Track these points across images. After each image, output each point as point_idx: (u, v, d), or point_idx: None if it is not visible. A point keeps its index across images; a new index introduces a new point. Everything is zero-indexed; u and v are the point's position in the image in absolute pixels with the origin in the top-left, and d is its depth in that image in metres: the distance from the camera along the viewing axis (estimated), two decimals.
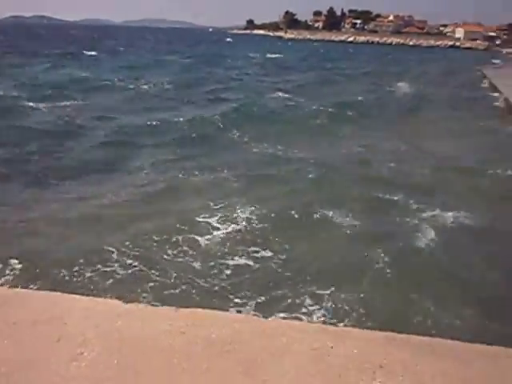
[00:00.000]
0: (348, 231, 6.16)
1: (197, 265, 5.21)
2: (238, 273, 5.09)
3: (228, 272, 5.10)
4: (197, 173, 8.58)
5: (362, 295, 4.67)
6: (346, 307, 4.48)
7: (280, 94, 19.28)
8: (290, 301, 4.52)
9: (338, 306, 4.51)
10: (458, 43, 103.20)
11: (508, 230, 6.46)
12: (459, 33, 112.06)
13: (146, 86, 20.64)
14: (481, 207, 7.13)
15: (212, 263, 5.26)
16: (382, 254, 5.41)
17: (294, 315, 4.25)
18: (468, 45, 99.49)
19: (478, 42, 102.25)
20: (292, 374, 2.07)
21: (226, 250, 5.61)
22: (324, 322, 2.86)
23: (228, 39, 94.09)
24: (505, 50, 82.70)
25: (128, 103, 16.38)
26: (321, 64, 38.86)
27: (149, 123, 12.75)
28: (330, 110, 15.34)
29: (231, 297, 4.56)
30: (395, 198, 7.40)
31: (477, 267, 5.41)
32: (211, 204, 6.93)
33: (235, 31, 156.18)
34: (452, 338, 2.45)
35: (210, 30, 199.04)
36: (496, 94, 20.52)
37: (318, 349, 2.23)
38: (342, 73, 31.06)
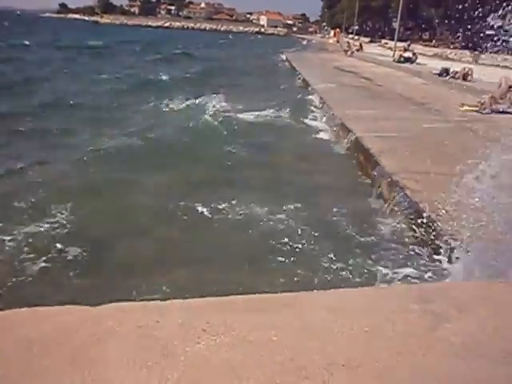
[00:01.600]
0: None
1: None
2: None
3: None
4: None
5: None
6: None
7: None
8: None
9: None
10: (262, 29, 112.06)
11: None
12: (263, 20, 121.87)
13: None
14: None
15: None
16: None
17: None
18: (271, 31, 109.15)
19: (279, 28, 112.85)
20: (116, 355, 2.04)
21: None
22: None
23: None
24: (299, 36, 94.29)
25: None
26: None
27: None
28: None
29: None
30: None
31: None
32: None
33: (47, 14, 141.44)
34: None
35: (18, 13, 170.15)
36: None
37: (143, 326, 2.24)
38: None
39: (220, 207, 5.82)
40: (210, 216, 5.64)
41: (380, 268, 4.16)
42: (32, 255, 4.61)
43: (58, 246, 4.82)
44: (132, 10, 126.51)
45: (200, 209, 5.75)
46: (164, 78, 19.47)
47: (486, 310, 2.47)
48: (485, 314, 2.43)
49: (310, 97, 15.31)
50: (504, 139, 4.21)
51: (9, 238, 4.91)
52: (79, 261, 4.62)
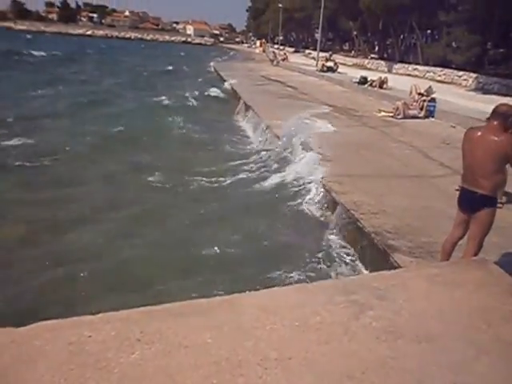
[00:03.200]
0: None
1: None
2: None
3: None
4: None
5: None
6: None
7: None
8: None
9: None
10: (189, 39, 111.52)
11: None
12: (189, 30, 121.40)
13: None
14: None
15: None
16: None
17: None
18: (198, 41, 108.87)
19: (205, 38, 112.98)
20: (47, 375, 1.96)
21: None
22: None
23: None
24: (226, 46, 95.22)
25: None
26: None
27: None
28: None
29: None
30: None
31: None
32: None
33: None
34: None
35: None
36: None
37: (74, 342, 2.17)
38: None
39: None
40: None
41: None
42: None
43: None
44: (50, 16, 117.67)
45: None
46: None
47: (401, 296, 2.69)
48: (400, 300, 2.65)
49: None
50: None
51: None
52: None
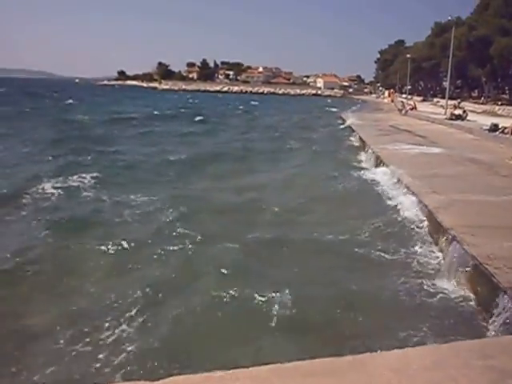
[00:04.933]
0: None
1: None
2: None
3: None
4: None
5: None
6: None
7: None
8: None
9: None
10: (319, 91, 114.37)
11: None
12: (319, 83, 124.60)
13: None
14: None
15: None
16: None
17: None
18: (328, 93, 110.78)
19: (335, 90, 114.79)
20: None
21: None
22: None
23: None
24: (355, 97, 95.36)
25: None
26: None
27: None
28: None
29: None
30: None
31: None
32: None
33: (105, 82, 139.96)
34: None
35: (77, 80, 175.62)
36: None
37: None
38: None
39: None
40: None
41: None
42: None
43: None
44: (190, 75, 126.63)
45: None
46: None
47: None
48: None
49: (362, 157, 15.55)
50: None
51: None
52: None
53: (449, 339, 3.59)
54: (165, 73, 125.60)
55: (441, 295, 5.11)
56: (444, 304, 4.91)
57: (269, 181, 11.84)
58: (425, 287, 5.31)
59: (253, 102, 59.29)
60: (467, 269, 5.12)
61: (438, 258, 6.17)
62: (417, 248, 6.59)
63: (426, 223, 7.22)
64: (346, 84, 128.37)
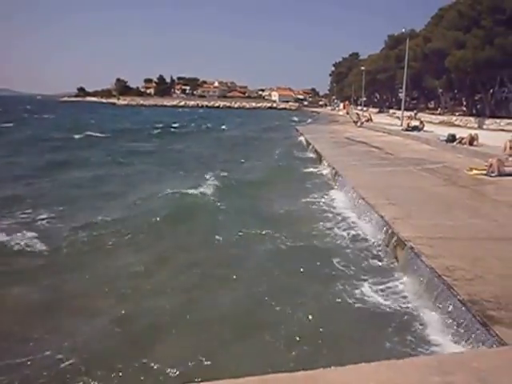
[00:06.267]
0: None
1: None
2: None
3: None
4: None
5: None
6: None
7: None
8: None
9: None
10: (274, 104, 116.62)
11: None
12: (275, 96, 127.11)
13: None
14: None
15: None
16: None
17: None
18: (283, 106, 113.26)
19: (290, 103, 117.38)
20: None
21: None
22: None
23: None
24: (310, 109, 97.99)
25: None
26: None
27: None
28: None
29: None
30: None
31: None
32: None
33: (65, 98, 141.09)
34: None
35: (39, 97, 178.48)
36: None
37: None
38: None
39: None
40: None
41: None
42: None
43: None
44: (148, 91, 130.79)
45: None
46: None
47: (507, 381, 2.38)
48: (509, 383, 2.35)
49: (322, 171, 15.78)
50: None
51: None
52: None
53: None
54: (123, 89, 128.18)
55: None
56: None
57: None
58: None
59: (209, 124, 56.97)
60: None
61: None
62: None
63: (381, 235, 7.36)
64: (301, 97, 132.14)
